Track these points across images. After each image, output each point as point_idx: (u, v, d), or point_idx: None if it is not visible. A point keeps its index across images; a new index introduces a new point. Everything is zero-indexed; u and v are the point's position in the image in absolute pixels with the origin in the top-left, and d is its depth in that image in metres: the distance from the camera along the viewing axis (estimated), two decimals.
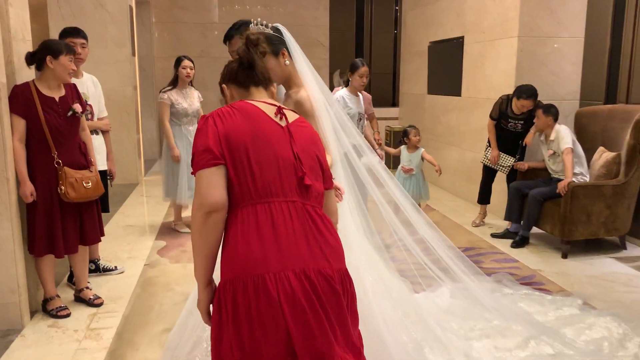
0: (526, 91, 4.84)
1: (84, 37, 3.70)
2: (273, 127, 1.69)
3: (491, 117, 5.18)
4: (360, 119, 4.50)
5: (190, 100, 5.03)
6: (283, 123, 1.73)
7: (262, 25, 2.36)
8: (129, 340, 3.12)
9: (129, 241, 4.85)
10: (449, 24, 6.90)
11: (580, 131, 5.04)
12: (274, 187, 1.61)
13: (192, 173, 1.62)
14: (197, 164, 1.59)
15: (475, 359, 2.68)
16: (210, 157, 1.57)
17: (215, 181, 1.56)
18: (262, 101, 1.77)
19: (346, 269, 1.70)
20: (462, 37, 6.48)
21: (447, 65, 6.90)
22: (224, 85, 1.88)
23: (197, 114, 5.06)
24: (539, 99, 4.96)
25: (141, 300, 3.67)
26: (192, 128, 5.03)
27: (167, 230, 5.23)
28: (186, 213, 5.41)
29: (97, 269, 3.98)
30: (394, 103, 10.60)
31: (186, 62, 4.93)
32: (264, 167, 1.61)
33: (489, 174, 5.37)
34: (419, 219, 2.90)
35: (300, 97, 2.32)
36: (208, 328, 1.90)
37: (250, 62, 1.82)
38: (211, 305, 1.68)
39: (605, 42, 5.17)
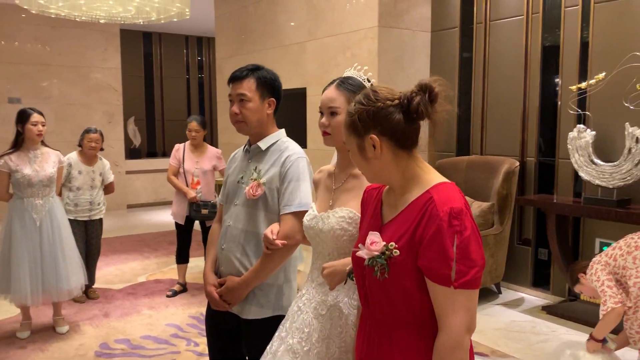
0: None
1: None
2: None
3: None
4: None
5: (40, 165, 3.75)
6: None
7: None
8: None
9: None
10: (287, 76, 6.63)
11: None
12: None
13: (459, 287, 1.26)
14: (475, 282, 1.28)
15: None
16: (481, 273, 1.31)
17: None
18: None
19: None
20: (304, 89, 6.27)
21: (287, 115, 6.59)
22: (373, 136, 1.38)
23: (49, 182, 3.77)
24: None
25: None
26: (40, 202, 3.73)
27: None
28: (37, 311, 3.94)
29: None
30: None
31: (36, 117, 3.69)
32: None
33: None
34: None
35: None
36: None
37: (422, 114, 1.38)
38: None
39: (454, 97, 5.48)
